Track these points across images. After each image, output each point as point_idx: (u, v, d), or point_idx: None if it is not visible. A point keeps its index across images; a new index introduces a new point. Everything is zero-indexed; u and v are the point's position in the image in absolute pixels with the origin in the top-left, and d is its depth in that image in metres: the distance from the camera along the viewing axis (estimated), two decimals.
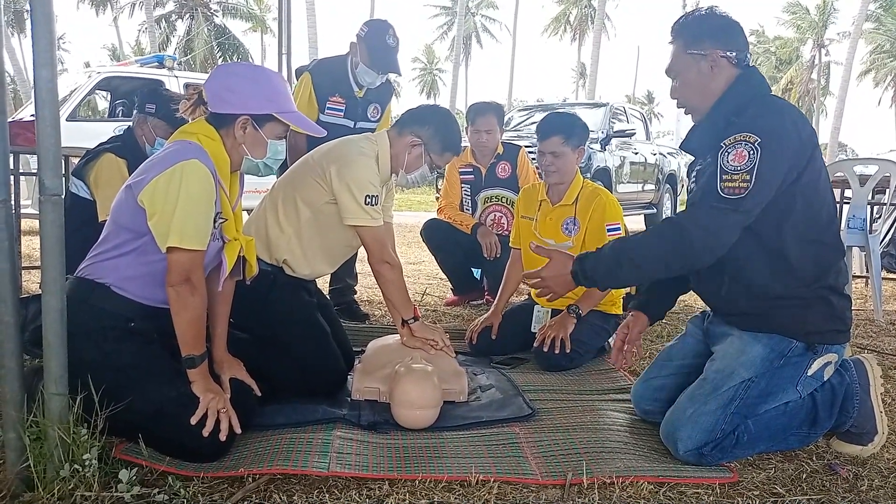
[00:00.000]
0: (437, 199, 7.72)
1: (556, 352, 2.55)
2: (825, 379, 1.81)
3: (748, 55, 1.81)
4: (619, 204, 2.80)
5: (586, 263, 1.78)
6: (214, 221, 1.69)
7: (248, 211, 2.49)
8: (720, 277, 1.79)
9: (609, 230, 2.69)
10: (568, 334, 2.58)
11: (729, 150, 1.67)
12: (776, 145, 1.65)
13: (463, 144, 3.90)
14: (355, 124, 3.20)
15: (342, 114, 3.16)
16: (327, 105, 3.13)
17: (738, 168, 1.64)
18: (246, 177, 1.92)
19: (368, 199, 2.15)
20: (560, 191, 2.81)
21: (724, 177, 1.66)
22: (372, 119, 3.27)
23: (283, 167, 3.13)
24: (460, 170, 3.79)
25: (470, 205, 3.77)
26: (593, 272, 1.77)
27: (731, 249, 1.71)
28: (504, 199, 3.71)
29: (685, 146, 1.96)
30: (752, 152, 1.64)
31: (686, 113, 1.89)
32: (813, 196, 1.72)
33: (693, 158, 1.96)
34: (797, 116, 1.74)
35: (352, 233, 2.25)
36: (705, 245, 1.67)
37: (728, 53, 1.77)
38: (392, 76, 3.29)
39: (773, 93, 1.85)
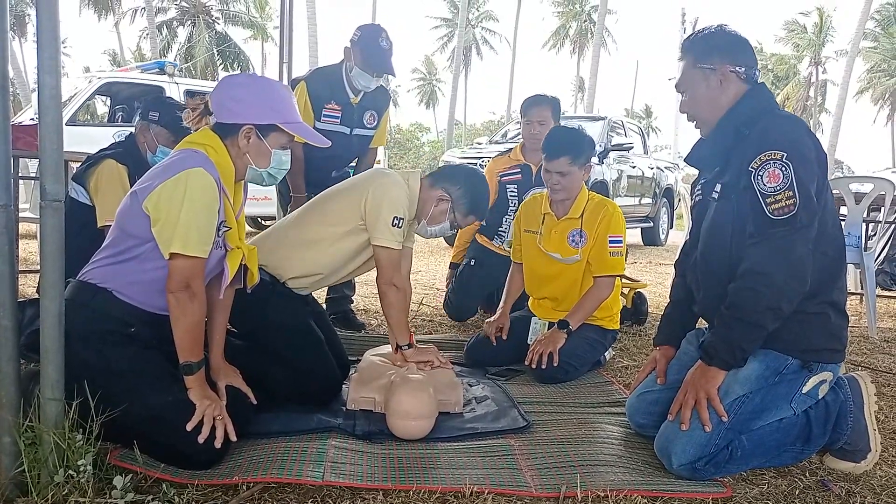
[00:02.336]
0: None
1: (544, 367, 2.55)
2: (820, 397, 1.82)
3: (757, 71, 1.83)
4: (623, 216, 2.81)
5: (710, 349, 1.76)
6: (218, 230, 1.70)
7: (251, 219, 2.49)
8: (725, 293, 1.79)
9: (611, 242, 2.71)
10: (557, 349, 2.58)
11: (761, 173, 1.67)
12: (802, 155, 1.67)
13: (485, 156, 3.77)
14: (351, 131, 3.21)
15: (338, 121, 3.15)
16: (323, 112, 3.12)
17: (778, 187, 1.64)
18: (249, 185, 1.93)
19: (396, 221, 2.21)
20: (566, 205, 2.80)
21: (767, 200, 1.66)
22: (368, 126, 3.27)
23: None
24: (504, 172, 3.58)
25: (515, 203, 3.53)
26: (719, 351, 1.74)
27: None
28: None
29: (690, 160, 1.97)
30: (784, 168, 1.64)
31: (696, 127, 1.90)
32: (825, 206, 1.74)
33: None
34: (808, 128, 1.77)
35: (366, 257, 2.32)
36: (786, 274, 1.64)
37: (737, 68, 1.80)
38: (390, 84, 3.29)
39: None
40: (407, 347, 2.30)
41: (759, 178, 1.67)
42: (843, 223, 3.85)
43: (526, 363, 2.62)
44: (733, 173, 1.79)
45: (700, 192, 1.96)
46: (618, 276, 2.80)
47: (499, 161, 3.68)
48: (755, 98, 1.81)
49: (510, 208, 3.58)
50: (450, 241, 7.96)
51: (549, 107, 3.51)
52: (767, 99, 1.83)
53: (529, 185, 3.50)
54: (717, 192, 1.85)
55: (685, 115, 1.90)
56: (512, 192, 3.57)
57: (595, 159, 7.21)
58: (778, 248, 1.65)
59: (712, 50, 1.82)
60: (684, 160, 2.06)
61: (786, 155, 1.65)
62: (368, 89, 3.15)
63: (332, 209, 2.30)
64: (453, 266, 3.80)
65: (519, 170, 3.57)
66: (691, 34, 1.90)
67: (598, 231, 2.73)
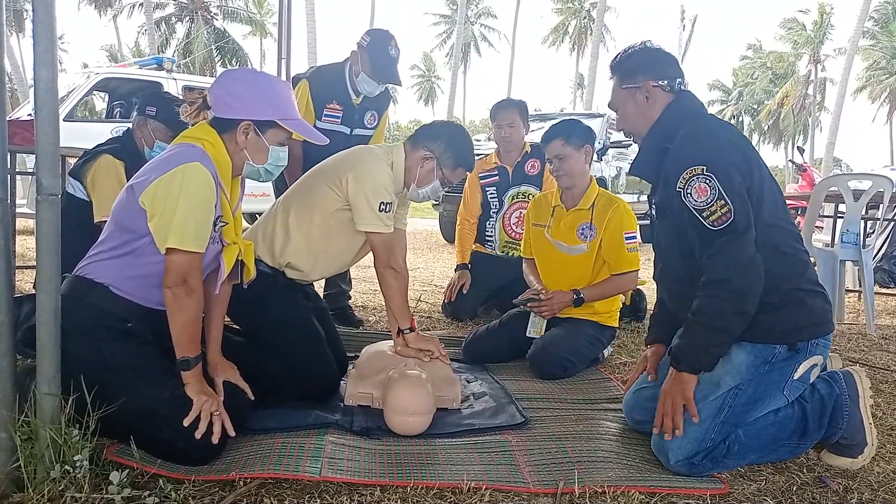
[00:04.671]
0: (435, 204, 7.70)
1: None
2: (811, 381, 1.82)
3: (681, 82, 1.89)
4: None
5: (678, 353, 1.79)
6: (214, 225, 1.70)
7: (248, 215, 2.49)
8: (690, 296, 1.81)
9: (627, 238, 2.73)
10: (558, 310, 2.71)
11: (688, 192, 1.72)
12: (721, 162, 1.71)
13: (482, 153, 3.92)
14: (352, 131, 3.21)
15: (339, 121, 3.15)
16: (324, 112, 3.12)
17: (709, 200, 1.69)
18: (247, 181, 1.93)
19: (383, 206, 2.18)
20: (574, 195, 2.82)
21: (703, 214, 1.70)
22: (369, 126, 3.27)
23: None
24: (483, 173, 3.69)
25: (497, 205, 3.68)
26: (686, 355, 1.77)
27: (695, 267, 1.76)
28: (532, 196, 3.60)
29: (633, 171, 2.02)
30: (708, 180, 1.70)
31: (634, 141, 1.97)
32: (765, 204, 1.75)
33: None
34: (728, 131, 1.80)
35: (361, 240, 2.29)
36: (742, 276, 1.68)
37: (660, 82, 1.87)
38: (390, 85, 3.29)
39: (709, 112, 1.92)
40: (409, 331, 2.28)
41: (689, 195, 1.72)
42: (841, 220, 3.87)
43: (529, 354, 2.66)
44: (662, 193, 1.84)
45: (655, 211, 2.00)
46: (635, 270, 2.81)
47: (477, 165, 3.73)
48: (677, 108, 1.86)
49: (492, 210, 3.70)
50: (450, 238, 7.97)
51: (516, 109, 3.63)
52: (690, 106, 1.87)
53: (507, 186, 3.66)
54: (653, 210, 1.93)
55: (621, 130, 1.98)
56: (491, 194, 3.70)
57: (594, 156, 7.21)
58: (728, 256, 1.69)
59: (636, 69, 1.89)
60: (629, 171, 2.13)
61: (706, 168, 1.70)
62: (372, 95, 3.16)
63: (315, 193, 2.26)
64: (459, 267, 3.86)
65: (496, 172, 3.69)
66: (617, 55, 1.97)
67: (608, 227, 2.73)
